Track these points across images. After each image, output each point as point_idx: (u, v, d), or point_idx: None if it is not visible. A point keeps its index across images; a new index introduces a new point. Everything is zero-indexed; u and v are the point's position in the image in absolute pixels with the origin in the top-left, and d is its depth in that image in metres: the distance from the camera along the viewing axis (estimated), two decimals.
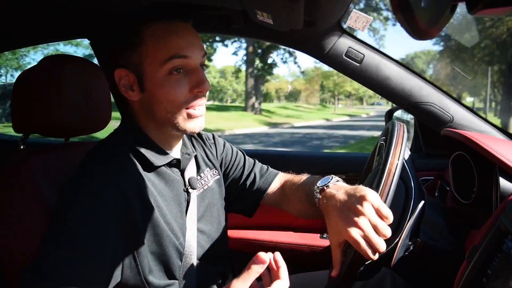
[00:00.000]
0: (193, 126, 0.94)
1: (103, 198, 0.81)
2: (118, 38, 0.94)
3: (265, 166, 1.26)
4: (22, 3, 1.29)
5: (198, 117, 0.94)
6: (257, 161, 1.27)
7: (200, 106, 0.94)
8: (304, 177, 1.14)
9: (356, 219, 0.77)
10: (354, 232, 0.76)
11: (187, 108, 0.92)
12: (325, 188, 0.92)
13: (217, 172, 1.16)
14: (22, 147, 1.13)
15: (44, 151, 1.09)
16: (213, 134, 1.25)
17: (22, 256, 0.93)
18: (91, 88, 1.14)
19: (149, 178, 0.92)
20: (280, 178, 1.23)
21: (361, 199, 0.79)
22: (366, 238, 0.76)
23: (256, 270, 0.71)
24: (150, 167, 0.93)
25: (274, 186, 1.21)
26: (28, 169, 1.01)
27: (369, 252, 0.75)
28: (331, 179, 0.95)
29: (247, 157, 1.26)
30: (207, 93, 0.99)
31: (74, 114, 1.10)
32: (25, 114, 1.08)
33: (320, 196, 0.93)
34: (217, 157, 1.19)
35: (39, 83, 1.06)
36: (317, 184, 0.95)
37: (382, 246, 0.76)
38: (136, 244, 0.87)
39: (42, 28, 1.58)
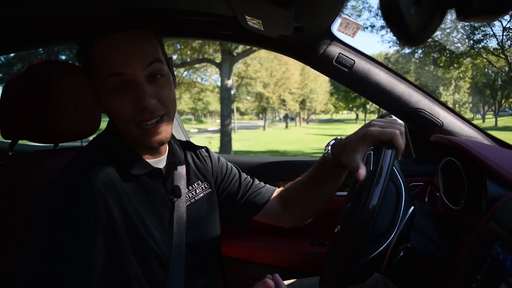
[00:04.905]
0: (148, 139, 0.91)
1: (83, 202, 0.79)
2: (78, 54, 0.94)
3: (262, 183, 1.26)
4: (13, 6, 1.27)
5: (151, 131, 0.90)
6: (254, 178, 1.27)
7: (151, 120, 0.89)
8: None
9: (378, 123, 0.93)
10: (388, 129, 0.89)
11: (137, 123, 0.89)
12: (334, 142, 1.06)
13: (208, 185, 1.14)
14: (10, 153, 1.12)
15: (32, 157, 1.08)
16: (207, 148, 1.23)
17: (8, 264, 0.91)
18: (81, 94, 1.13)
19: (128, 186, 0.91)
20: (276, 192, 1.24)
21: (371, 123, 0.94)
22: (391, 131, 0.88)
23: None
24: (129, 175, 0.92)
25: (271, 201, 1.22)
26: (16, 175, 0.99)
27: (400, 140, 0.87)
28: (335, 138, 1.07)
29: (242, 173, 1.25)
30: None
31: (63, 120, 1.08)
32: (13, 120, 1.06)
33: (330, 149, 1.05)
34: (212, 171, 1.18)
35: (27, 89, 1.05)
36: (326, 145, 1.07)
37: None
38: (119, 250, 0.85)
39: (32, 32, 1.56)
